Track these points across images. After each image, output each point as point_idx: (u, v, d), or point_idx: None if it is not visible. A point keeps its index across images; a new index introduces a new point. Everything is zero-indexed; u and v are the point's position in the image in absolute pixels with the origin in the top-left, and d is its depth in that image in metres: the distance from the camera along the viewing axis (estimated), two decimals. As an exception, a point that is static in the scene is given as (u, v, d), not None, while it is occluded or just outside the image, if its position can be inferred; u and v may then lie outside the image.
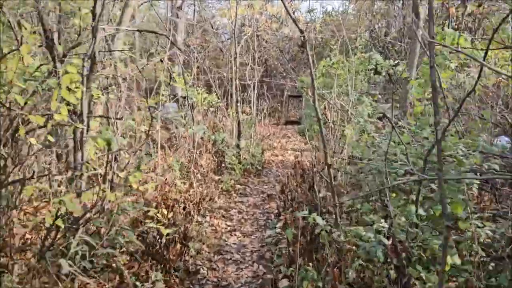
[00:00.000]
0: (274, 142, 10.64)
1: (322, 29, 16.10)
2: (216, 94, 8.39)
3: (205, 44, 13.42)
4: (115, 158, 4.20)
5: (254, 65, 10.76)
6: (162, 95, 7.60)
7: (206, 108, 8.02)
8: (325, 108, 5.69)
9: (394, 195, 3.07)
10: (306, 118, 7.16)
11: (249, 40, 10.23)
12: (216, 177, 6.49)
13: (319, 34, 15.95)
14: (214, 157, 6.90)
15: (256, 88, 10.33)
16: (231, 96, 8.51)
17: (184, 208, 4.36)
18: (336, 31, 16.19)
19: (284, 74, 15.61)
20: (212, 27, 15.81)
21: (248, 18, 13.08)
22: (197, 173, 5.68)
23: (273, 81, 15.40)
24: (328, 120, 5.48)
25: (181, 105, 10.07)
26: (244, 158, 7.37)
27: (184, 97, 8.26)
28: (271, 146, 10.03)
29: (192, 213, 4.44)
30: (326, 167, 3.38)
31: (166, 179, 4.67)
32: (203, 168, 6.29)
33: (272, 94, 15.77)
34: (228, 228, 4.80)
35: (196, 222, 4.58)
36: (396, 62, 7.26)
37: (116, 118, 3.86)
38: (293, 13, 15.91)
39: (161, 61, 5.56)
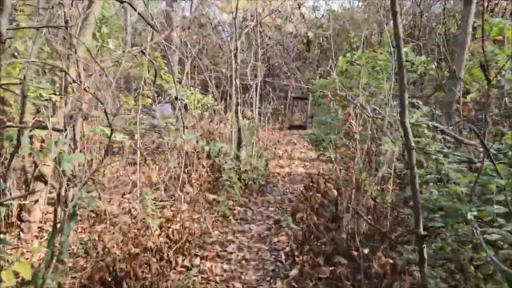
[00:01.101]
0: (279, 149, 9.44)
1: (329, 26, 14.91)
2: (213, 95, 7.18)
3: (202, 40, 12.20)
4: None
5: (257, 61, 9.57)
6: (147, 96, 6.41)
7: (201, 111, 6.80)
8: (349, 115, 4.51)
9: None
10: (318, 126, 5.96)
11: (252, 33, 9.02)
12: (211, 196, 5.28)
13: (327, 31, 14.75)
14: (209, 171, 5.69)
15: (258, 88, 9.13)
16: (230, 98, 7.31)
17: (161, 258, 3.15)
18: (344, 27, 15.06)
19: (288, 74, 14.39)
20: (210, 22, 14.62)
21: (250, 12, 11.91)
22: (184, 196, 4.48)
23: (276, 81, 14.18)
24: (354, 130, 4.28)
25: (174, 107, 8.86)
26: (245, 170, 6.16)
27: (176, 98, 7.00)
28: (275, 155, 8.82)
29: (173, 261, 3.23)
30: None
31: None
32: (195, 187, 5.09)
33: (275, 95, 14.53)
34: (225, 275, 3.58)
35: (180, 269, 3.37)
36: (428, 58, 6.05)
37: (55, 129, 2.66)
38: (299, 8, 14.75)
39: (143, 52, 4.36)
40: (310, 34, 13.64)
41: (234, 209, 5.22)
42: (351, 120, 4.52)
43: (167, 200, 4.85)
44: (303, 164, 8.58)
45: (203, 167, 5.31)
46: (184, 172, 5.23)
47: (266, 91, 12.74)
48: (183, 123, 5.39)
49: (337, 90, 5.94)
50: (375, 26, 13.82)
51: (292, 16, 14.86)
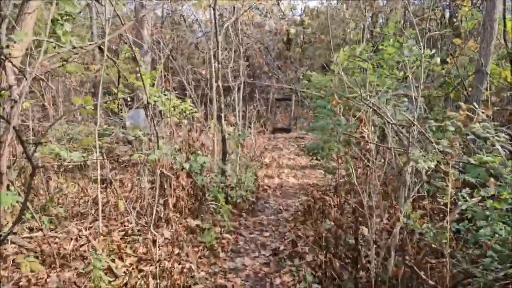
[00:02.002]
0: (266, 157, 8.58)
1: (310, 24, 14.18)
2: (192, 100, 6.24)
3: (176, 39, 11.22)
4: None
5: (237, 60, 8.69)
6: (114, 101, 5.43)
7: (179, 119, 5.86)
8: (361, 121, 3.69)
9: None
10: (317, 132, 5.12)
11: (231, 31, 8.14)
12: (194, 222, 4.36)
13: (307, 29, 14.02)
14: (190, 191, 4.77)
15: (241, 90, 8.25)
16: (211, 102, 6.40)
17: None
18: (326, 25, 14.34)
19: (270, 74, 13.55)
20: (185, 20, 13.63)
21: (228, 8, 11.03)
22: (161, 228, 3.56)
23: (258, 82, 13.33)
24: (367, 139, 3.46)
25: (146, 115, 7.88)
26: (232, 187, 5.28)
27: (148, 105, 6.02)
28: (263, 163, 7.96)
29: None
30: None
31: None
32: (173, 217, 4.17)
33: (256, 97, 13.66)
34: None
35: None
36: (433, 52, 5.31)
37: None
38: (278, 4, 13.95)
39: (100, 49, 3.41)
40: (292, 31, 12.84)
41: (223, 238, 4.32)
42: (363, 128, 3.70)
43: (138, 234, 3.91)
44: (294, 173, 7.76)
45: (183, 188, 4.38)
46: (159, 195, 4.31)
47: (249, 93, 11.89)
48: (157, 135, 4.45)
49: (338, 88, 5.13)
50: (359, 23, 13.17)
51: (271, 13, 14.05)
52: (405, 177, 2.93)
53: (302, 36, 13.77)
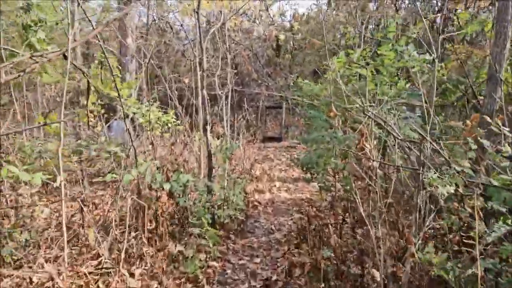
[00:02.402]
0: (256, 169, 8.14)
1: (300, 30, 13.85)
2: (175, 111, 5.79)
3: (163, 47, 10.79)
4: None
5: (224, 68, 8.28)
6: (90, 113, 4.94)
7: (161, 132, 5.40)
8: (362, 135, 3.29)
9: None
10: (311, 145, 4.69)
11: (218, 36, 7.74)
12: (176, 249, 3.90)
13: (297, 34, 13.71)
14: (173, 213, 4.31)
15: (229, 98, 7.82)
16: (196, 113, 5.96)
17: None
18: (315, 31, 14.02)
19: (259, 81, 13.16)
20: (171, 27, 13.21)
21: (214, 14, 10.67)
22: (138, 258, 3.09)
23: (247, 90, 12.92)
24: (370, 156, 3.06)
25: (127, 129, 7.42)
26: (219, 206, 4.83)
27: (127, 117, 5.60)
28: (253, 176, 7.52)
29: None
30: None
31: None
32: (152, 246, 3.71)
33: (245, 106, 13.22)
34: None
35: None
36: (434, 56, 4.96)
37: None
38: (267, 9, 13.62)
39: (64, 56, 2.96)
40: (282, 37, 12.49)
41: (208, 266, 3.87)
42: (365, 143, 3.30)
43: (111, 266, 3.43)
44: (286, 186, 7.34)
45: (162, 212, 3.91)
46: (136, 221, 3.85)
47: (237, 101, 11.47)
48: (135, 151, 4.00)
49: (334, 97, 4.74)
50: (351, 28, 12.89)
51: (259, 19, 13.71)
52: (418, 202, 2.52)
53: (292, 42, 13.42)
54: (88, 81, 3.42)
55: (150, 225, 3.76)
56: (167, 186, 3.85)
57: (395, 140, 2.88)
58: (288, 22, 14.23)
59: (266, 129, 13.09)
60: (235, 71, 13.48)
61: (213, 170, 4.94)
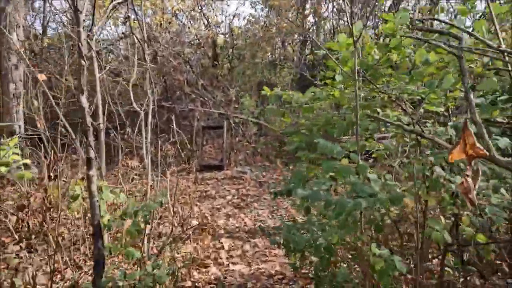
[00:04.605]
0: (193, 216, 5.55)
1: (239, 35, 11.69)
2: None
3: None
4: None
5: (145, 78, 5.72)
6: None
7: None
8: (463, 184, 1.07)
9: None
10: (294, 189, 2.29)
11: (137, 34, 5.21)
12: None
13: (237, 39, 11.51)
14: None
15: (150, 118, 5.24)
16: (87, 141, 3.31)
17: None
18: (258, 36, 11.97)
19: (193, 95, 10.61)
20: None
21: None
22: None
23: (178, 106, 10.31)
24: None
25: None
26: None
27: None
28: (187, 234, 4.90)
29: None
30: None
31: None
32: None
33: (174, 127, 10.56)
34: None
35: None
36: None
37: None
38: (201, 9, 11.29)
39: None
40: (220, 41, 10.18)
41: None
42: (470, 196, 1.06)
43: None
44: (238, 246, 4.85)
45: None
46: None
47: (165, 121, 8.85)
48: None
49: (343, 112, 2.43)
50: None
51: (192, 21, 11.33)
52: None
53: (231, 49, 11.16)
54: None
55: None
56: None
57: None
58: (222, 29, 11.99)
59: (203, 155, 10.50)
60: (163, 84, 10.88)
61: (104, 262, 2.34)
